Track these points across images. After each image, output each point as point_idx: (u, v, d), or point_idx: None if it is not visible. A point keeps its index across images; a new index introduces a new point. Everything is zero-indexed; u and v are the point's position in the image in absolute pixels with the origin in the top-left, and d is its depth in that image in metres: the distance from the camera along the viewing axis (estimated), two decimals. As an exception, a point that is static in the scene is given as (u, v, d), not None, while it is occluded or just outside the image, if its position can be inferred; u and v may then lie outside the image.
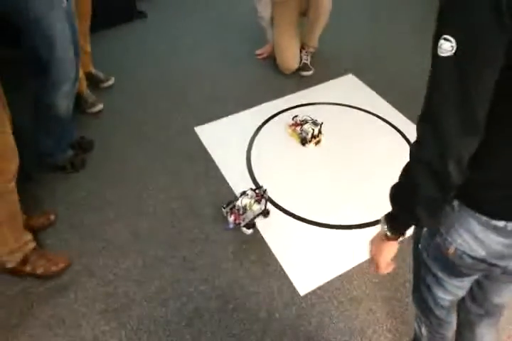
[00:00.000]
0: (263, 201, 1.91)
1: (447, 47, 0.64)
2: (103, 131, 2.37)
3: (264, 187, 1.95)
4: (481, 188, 0.82)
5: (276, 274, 1.77)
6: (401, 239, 0.95)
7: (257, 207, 1.89)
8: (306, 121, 2.27)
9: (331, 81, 2.71)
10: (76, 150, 2.15)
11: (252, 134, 2.36)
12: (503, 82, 0.66)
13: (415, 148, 0.75)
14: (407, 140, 2.31)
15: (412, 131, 2.19)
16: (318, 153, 2.26)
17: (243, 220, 1.88)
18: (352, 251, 1.83)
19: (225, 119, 2.46)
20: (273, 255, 1.83)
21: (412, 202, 0.80)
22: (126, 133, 2.36)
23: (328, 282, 1.74)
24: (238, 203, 1.87)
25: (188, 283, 1.74)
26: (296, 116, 2.33)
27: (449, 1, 0.64)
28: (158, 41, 3.05)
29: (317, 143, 2.28)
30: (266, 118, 2.45)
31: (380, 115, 2.45)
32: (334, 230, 1.91)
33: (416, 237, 1.04)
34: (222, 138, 2.33)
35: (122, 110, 2.51)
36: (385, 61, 2.86)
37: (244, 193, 1.91)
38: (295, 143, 2.31)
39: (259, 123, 2.42)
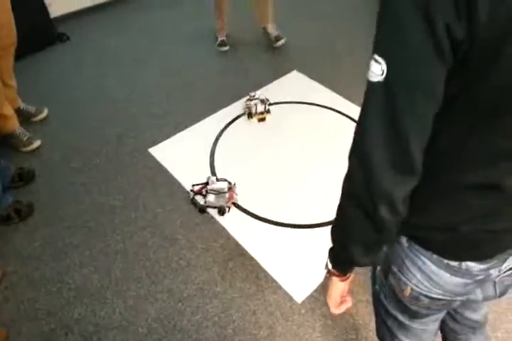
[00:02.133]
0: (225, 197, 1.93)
1: (377, 70, 0.54)
2: (46, 168, 2.14)
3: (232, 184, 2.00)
4: (423, 230, 0.74)
5: (269, 286, 1.69)
6: (349, 278, 0.86)
7: (221, 200, 1.91)
8: (256, 99, 2.36)
9: (278, 79, 2.67)
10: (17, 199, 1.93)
11: (212, 143, 2.26)
12: (444, 115, 0.57)
13: (346, 183, 0.67)
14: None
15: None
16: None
17: (204, 196, 1.93)
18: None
19: (181, 134, 2.33)
20: (260, 267, 1.75)
21: (346, 240, 0.73)
22: (74, 167, 2.16)
23: (321, 283, 1.69)
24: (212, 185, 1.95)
25: (179, 315, 1.61)
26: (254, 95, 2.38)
27: (382, 16, 0.54)
28: (86, 62, 2.83)
29: (261, 119, 2.36)
30: (224, 125, 2.36)
31: (330, 106, 2.45)
32: (306, 230, 1.87)
33: (372, 276, 0.95)
34: (181, 154, 2.21)
35: (64, 142, 2.28)
36: (326, 55, 2.87)
37: (219, 179, 2.00)
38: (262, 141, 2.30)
39: (218, 131, 2.32)
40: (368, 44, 0.59)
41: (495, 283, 0.82)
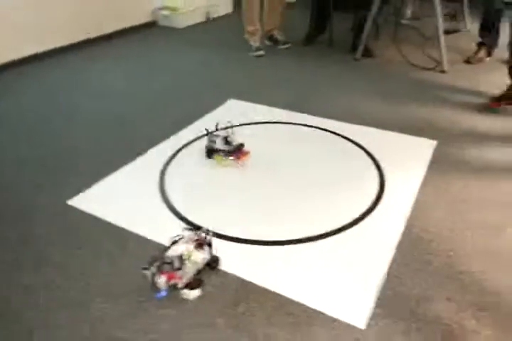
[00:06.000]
0: (206, 248, 1.26)
1: None
2: None
3: (206, 227, 1.31)
4: None
5: (311, 321, 1.11)
6: None
7: (199, 257, 1.23)
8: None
9: (217, 109, 2.33)
10: None
11: (157, 177, 1.73)
12: None
13: None
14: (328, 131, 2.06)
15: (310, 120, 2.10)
16: (240, 171, 1.77)
17: (181, 278, 1.19)
18: (355, 255, 1.35)
19: (111, 176, 1.75)
20: (285, 298, 1.18)
21: None
22: None
23: (379, 297, 1.18)
24: (169, 254, 1.19)
25: None
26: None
27: None
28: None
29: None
30: (167, 158, 1.85)
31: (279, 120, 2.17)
32: (307, 244, 1.39)
33: None
34: (117, 196, 1.62)
35: None
36: (260, 88, 2.68)
37: (175, 241, 1.25)
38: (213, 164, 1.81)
39: (161, 167, 1.80)
40: None
41: None
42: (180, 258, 1.18)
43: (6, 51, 2.87)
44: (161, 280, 1.17)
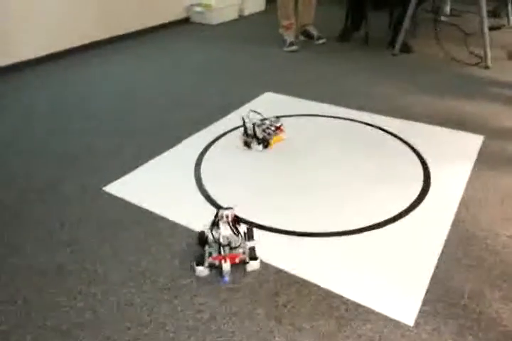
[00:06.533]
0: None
1: None
2: None
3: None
4: None
5: (355, 315, 1.05)
6: None
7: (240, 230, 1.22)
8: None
9: (252, 101, 2.29)
10: None
11: (193, 164, 1.71)
12: None
13: None
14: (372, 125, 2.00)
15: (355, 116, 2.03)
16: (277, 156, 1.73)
17: (242, 254, 1.19)
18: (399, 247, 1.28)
19: (147, 164, 1.73)
20: (327, 291, 1.12)
21: None
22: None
23: (428, 292, 1.11)
24: (220, 235, 1.18)
25: None
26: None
27: None
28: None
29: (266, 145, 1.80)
30: (203, 147, 1.84)
31: (323, 114, 2.10)
32: (349, 236, 1.33)
33: None
34: (152, 186, 1.59)
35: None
36: (296, 82, 2.64)
37: (215, 221, 1.22)
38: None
39: (197, 155, 1.78)
40: None
41: None
42: (233, 236, 1.18)
43: (52, 43, 2.93)
44: (227, 264, 1.15)
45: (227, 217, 1.22)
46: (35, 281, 1.19)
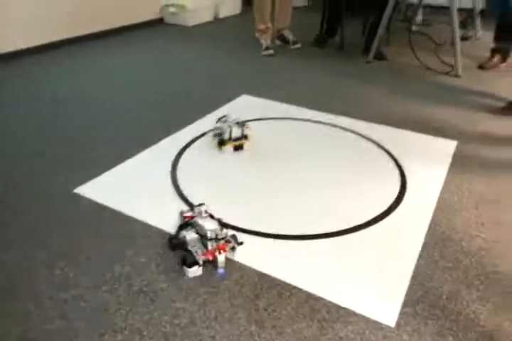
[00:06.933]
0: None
1: None
2: None
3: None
4: None
5: (337, 317, 1.04)
6: None
7: (198, 246, 1.20)
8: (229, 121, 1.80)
9: (228, 103, 2.26)
10: None
11: (170, 166, 1.66)
12: None
13: None
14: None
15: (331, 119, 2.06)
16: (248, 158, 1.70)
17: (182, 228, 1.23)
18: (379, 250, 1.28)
19: (120, 166, 1.67)
20: (308, 293, 1.10)
21: None
22: None
23: (406, 292, 1.12)
24: (210, 228, 1.17)
25: None
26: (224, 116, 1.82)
27: None
28: None
29: (238, 147, 1.77)
30: (178, 149, 1.79)
31: (296, 117, 2.10)
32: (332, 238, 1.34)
33: None
34: (126, 187, 1.54)
35: None
36: (270, 85, 2.63)
37: (185, 222, 1.24)
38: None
39: (172, 157, 1.73)
40: None
41: None
42: (218, 228, 1.18)
43: (29, 38, 2.81)
44: (221, 256, 1.15)
45: (205, 211, 1.23)
46: (2, 285, 1.11)
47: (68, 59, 2.89)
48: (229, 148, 1.75)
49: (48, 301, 1.07)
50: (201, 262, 1.14)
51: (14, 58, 2.78)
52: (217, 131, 1.77)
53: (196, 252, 1.16)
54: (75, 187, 1.52)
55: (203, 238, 1.17)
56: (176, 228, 1.26)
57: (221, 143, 1.75)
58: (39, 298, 1.08)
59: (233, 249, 1.19)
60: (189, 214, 1.29)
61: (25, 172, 1.62)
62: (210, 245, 1.15)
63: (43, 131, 1.94)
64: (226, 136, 1.74)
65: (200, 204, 1.29)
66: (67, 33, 3.12)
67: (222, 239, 1.17)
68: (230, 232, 1.23)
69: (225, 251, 1.16)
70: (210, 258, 1.15)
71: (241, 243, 1.21)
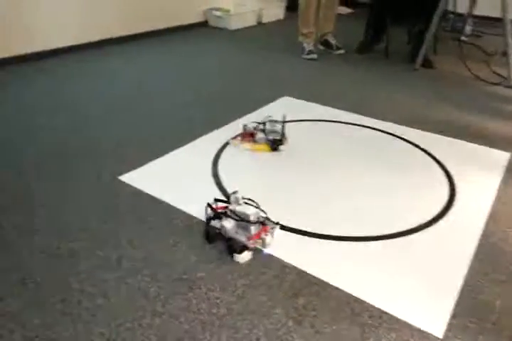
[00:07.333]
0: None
1: None
2: None
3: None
4: None
5: (380, 323, 0.99)
6: None
7: (240, 233, 1.20)
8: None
9: (270, 104, 2.25)
10: None
11: (211, 160, 1.67)
12: None
13: None
14: (387, 132, 1.96)
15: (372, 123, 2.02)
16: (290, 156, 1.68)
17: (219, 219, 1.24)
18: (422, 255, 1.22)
19: (163, 158, 1.69)
20: (350, 295, 1.06)
21: None
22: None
23: (455, 303, 1.06)
24: (250, 213, 1.19)
25: None
26: (245, 125, 1.81)
27: None
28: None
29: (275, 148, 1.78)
30: (220, 145, 1.80)
31: (340, 120, 2.07)
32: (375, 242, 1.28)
33: None
34: (169, 178, 1.54)
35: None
36: (313, 89, 2.61)
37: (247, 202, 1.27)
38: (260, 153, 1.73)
39: (215, 151, 1.74)
40: None
41: None
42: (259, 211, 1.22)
43: (68, 37, 2.91)
44: (268, 237, 1.18)
45: (243, 198, 1.26)
46: (47, 264, 1.13)
47: (114, 58, 2.97)
48: (283, 148, 1.76)
49: (90, 280, 1.07)
50: (252, 246, 1.16)
51: (63, 52, 2.89)
52: (270, 130, 1.78)
53: (242, 238, 1.16)
54: (119, 175, 1.54)
55: (243, 223, 1.18)
56: (206, 221, 1.26)
57: (276, 143, 1.75)
58: (81, 276, 1.08)
59: (273, 229, 1.21)
60: (220, 204, 1.28)
61: (76, 161, 1.66)
62: (253, 229, 1.17)
63: (102, 124, 1.99)
64: (277, 136, 1.75)
65: (234, 192, 1.28)
66: (110, 33, 3.20)
67: (263, 222, 1.20)
68: (263, 215, 1.24)
69: (267, 232, 1.18)
70: (259, 241, 1.17)
71: (277, 223, 1.23)
